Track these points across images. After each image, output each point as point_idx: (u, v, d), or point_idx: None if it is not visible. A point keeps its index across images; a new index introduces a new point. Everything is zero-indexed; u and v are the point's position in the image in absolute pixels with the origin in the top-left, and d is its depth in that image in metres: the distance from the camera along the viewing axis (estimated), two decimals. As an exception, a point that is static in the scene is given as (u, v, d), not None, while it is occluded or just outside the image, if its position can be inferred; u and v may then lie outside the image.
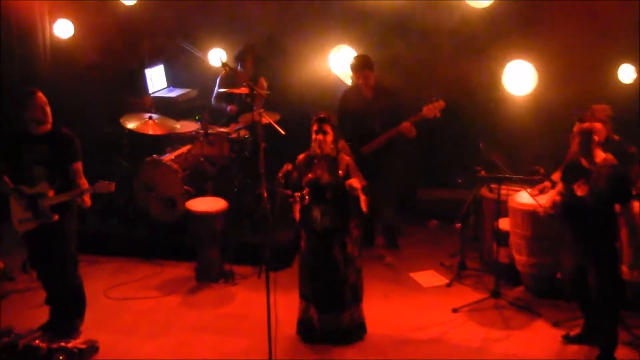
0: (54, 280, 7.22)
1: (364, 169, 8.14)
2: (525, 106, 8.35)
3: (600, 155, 6.43)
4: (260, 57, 9.64)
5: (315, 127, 6.93)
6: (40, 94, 6.90)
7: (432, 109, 8.26)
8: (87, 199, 6.95)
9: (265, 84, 9.46)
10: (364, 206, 6.88)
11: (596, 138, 6.38)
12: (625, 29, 8.33)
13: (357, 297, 7.13)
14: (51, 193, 6.82)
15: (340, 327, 7.07)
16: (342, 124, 8.62)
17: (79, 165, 6.94)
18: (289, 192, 7.00)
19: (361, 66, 8.50)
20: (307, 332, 7.16)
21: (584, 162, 6.47)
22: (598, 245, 6.54)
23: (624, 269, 7.39)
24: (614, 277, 6.65)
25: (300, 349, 7.08)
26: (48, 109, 6.91)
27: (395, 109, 8.49)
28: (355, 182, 6.82)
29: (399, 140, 8.53)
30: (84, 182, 6.91)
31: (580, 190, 6.47)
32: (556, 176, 7.75)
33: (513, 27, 8.80)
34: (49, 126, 6.95)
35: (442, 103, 8.25)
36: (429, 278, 8.40)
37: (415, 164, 9.60)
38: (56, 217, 6.86)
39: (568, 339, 6.99)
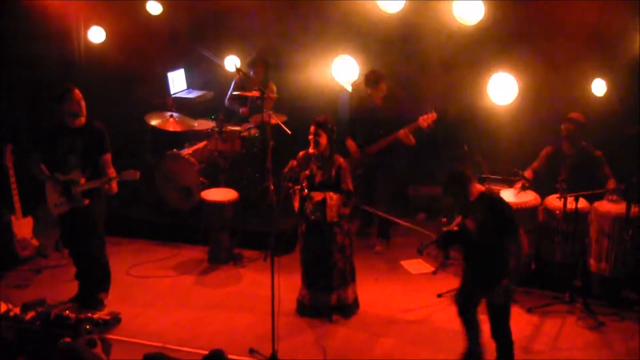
0: (83, 258, 7.32)
1: (365, 167, 8.28)
2: (506, 114, 8.35)
3: (476, 190, 6.10)
4: (270, 64, 9.64)
5: (312, 130, 7.03)
6: (77, 90, 6.99)
7: (426, 119, 8.25)
8: (115, 186, 7.03)
9: (274, 88, 9.46)
10: (329, 213, 6.97)
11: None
12: (598, 47, 8.35)
13: (346, 281, 7.23)
14: (83, 180, 6.91)
15: (328, 306, 7.20)
16: (352, 125, 8.75)
17: (108, 156, 7.02)
18: (290, 184, 7.11)
19: (369, 83, 8.54)
20: (302, 309, 7.32)
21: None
22: (490, 278, 6.02)
23: (591, 261, 7.52)
24: (506, 312, 6.14)
25: (300, 323, 7.17)
26: (83, 104, 7.00)
27: (401, 116, 8.51)
28: (316, 195, 6.95)
29: (399, 144, 8.55)
30: (112, 172, 6.99)
31: (470, 225, 6.07)
32: (527, 174, 7.85)
33: (497, 43, 8.73)
34: (83, 119, 7.02)
35: (434, 115, 8.24)
36: (417, 266, 8.43)
37: (407, 164, 9.66)
38: (87, 201, 6.97)
39: None
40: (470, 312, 6.32)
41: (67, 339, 5.64)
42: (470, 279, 6.26)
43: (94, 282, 7.37)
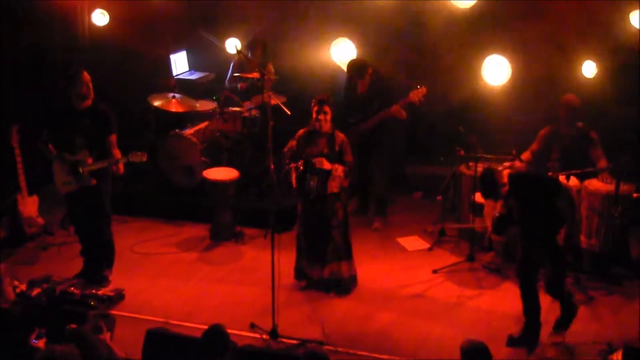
0: (88, 236, 7.30)
1: (359, 146, 8.20)
2: (500, 95, 8.31)
3: (505, 174, 6.26)
4: (268, 46, 9.56)
5: (316, 108, 6.97)
6: (85, 73, 6.95)
7: (417, 94, 8.19)
8: (121, 167, 6.99)
9: (272, 69, 9.36)
10: (331, 184, 6.94)
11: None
12: (589, 29, 8.28)
13: (339, 256, 7.18)
14: (90, 160, 6.87)
15: (322, 279, 7.19)
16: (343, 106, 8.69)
17: (114, 137, 6.99)
18: (292, 164, 7.03)
19: (353, 73, 8.45)
20: (301, 276, 7.31)
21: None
22: (543, 240, 6.28)
23: (582, 237, 7.49)
24: (563, 263, 6.44)
25: (299, 298, 7.18)
26: (91, 86, 6.95)
27: (387, 95, 8.42)
28: (325, 164, 6.88)
29: (390, 122, 8.47)
30: (117, 152, 6.95)
31: (515, 204, 6.25)
32: (525, 156, 7.78)
33: (492, 25, 8.68)
34: (90, 101, 6.98)
35: (424, 89, 8.19)
36: (413, 243, 8.39)
37: (405, 144, 9.61)
38: (94, 181, 6.92)
39: (512, 342, 6.44)
40: (532, 285, 6.41)
41: (73, 326, 5.60)
42: (530, 249, 6.35)
43: (99, 259, 7.34)
